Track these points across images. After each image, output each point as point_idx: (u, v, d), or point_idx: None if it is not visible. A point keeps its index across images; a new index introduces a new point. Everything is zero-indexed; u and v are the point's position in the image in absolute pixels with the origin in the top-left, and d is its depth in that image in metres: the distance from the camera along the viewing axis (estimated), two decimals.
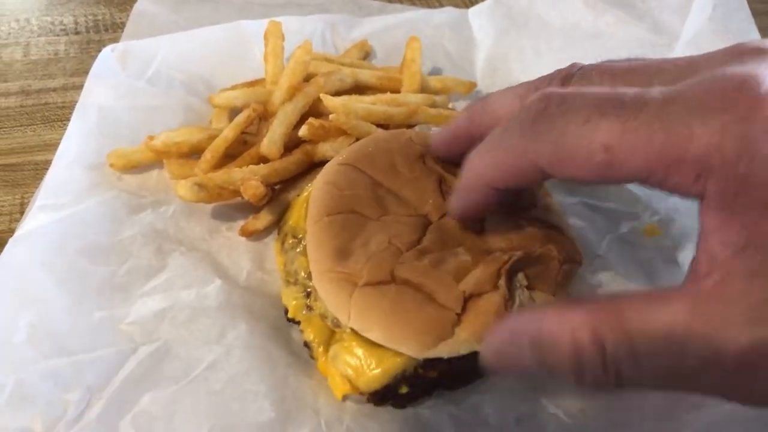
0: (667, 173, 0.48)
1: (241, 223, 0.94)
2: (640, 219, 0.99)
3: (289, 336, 0.83)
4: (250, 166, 0.91)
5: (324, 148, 0.94)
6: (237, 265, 0.90)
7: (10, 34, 1.33)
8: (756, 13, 1.07)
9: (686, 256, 0.92)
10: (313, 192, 0.82)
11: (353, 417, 0.75)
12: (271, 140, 0.93)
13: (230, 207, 0.96)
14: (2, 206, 1.01)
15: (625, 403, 0.78)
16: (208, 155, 0.94)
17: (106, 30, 1.34)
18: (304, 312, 0.79)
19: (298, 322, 0.80)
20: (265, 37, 1.10)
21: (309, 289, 0.79)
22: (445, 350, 0.70)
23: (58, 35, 1.33)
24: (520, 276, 0.75)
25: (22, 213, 0.98)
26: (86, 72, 1.08)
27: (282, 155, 0.94)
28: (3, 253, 0.84)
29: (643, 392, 0.77)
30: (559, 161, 0.54)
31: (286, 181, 0.95)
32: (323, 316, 0.77)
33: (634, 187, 1.02)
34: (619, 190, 1.02)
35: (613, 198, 1.01)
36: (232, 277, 0.88)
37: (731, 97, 0.47)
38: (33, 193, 0.99)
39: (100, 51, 1.12)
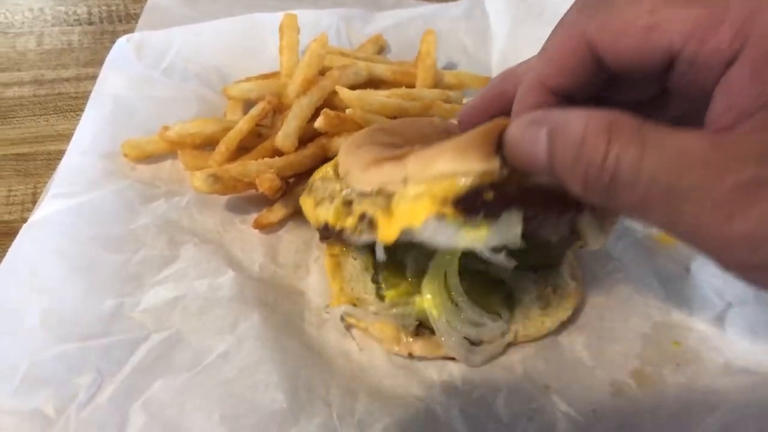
0: (704, 38, 0.51)
1: (254, 215, 0.94)
2: (653, 229, 0.99)
3: (303, 329, 0.83)
4: (266, 159, 0.91)
5: (338, 143, 0.94)
6: (250, 258, 0.90)
7: (24, 23, 1.33)
8: None
9: (698, 265, 0.92)
10: (341, 149, 0.79)
11: (365, 409, 0.75)
12: (285, 133, 0.93)
13: (244, 199, 0.96)
14: (15, 196, 1.02)
15: (637, 404, 0.78)
16: (223, 147, 0.94)
17: (120, 21, 1.35)
18: (345, 216, 0.73)
19: (340, 231, 0.74)
20: (281, 30, 1.10)
21: (350, 198, 0.73)
22: None
23: (71, 25, 1.34)
24: None
25: (34, 203, 0.98)
26: (99, 63, 1.09)
27: (296, 149, 0.94)
28: (16, 240, 0.85)
29: (656, 396, 0.78)
30: (607, 30, 0.56)
31: (300, 174, 0.95)
32: (375, 207, 0.70)
33: None
34: None
35: None
36: (245, 270, 0.88)
37: None
38: (45, 183, 0.99)
39: (113, 42, 1.12)
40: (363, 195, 0.71)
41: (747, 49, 0.49)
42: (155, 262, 0.87)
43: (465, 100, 1.14)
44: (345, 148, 0.78)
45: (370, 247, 0.85)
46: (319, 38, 1.04)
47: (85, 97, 1.05)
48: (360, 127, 0.95)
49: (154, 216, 0.92)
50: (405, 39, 1.26)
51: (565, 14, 0.63)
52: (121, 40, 1.09)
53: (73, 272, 0.83)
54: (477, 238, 0.64)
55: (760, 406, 0.75)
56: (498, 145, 0.62)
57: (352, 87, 1.04)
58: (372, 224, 0.69)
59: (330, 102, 1.00)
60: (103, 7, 1.37)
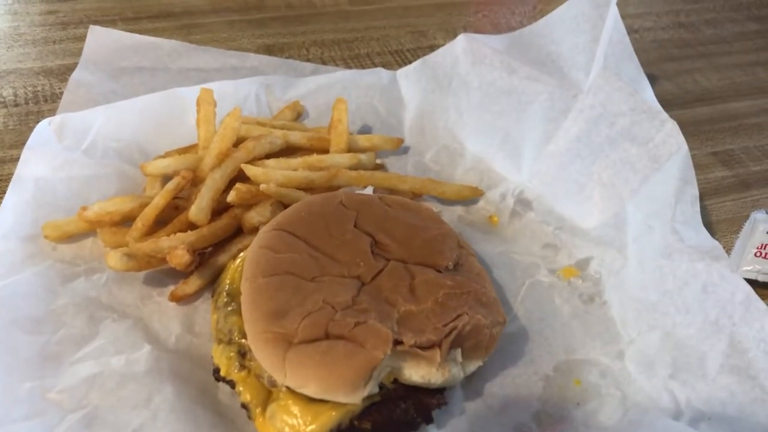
0: None
1: (172, 288, 0.97)
2: (557, 263, 1.05)
3: (216, 398, 0.86)
4: (178, 233, 0.94)
5: (251, 215, 0.98)
6: (167, 330, 0.93)
7: None
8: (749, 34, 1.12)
9: (602, 292, 0.99)
10: (248, 255, 0.86)
11: None
12: (198, 207, 0.97)
13: (162, 272, 0.99)
14: None
15: None
16: (139, 223, 0.97)
17: (46, 101, 1.36)
18: (236, 371, 0.81)
19: (230, 381, 0.82)
20: (198, 104, 1.14)
21: (244, 350, 0.82)
22: (374, 386, 0.75)
23: None
24: (457, 353, 0.81)
25: None
26: (24, 144, 1.10)
27: (211, 220, 0.98)
28: None
29: None
30: None
31: (216, 245, 0.99)
32: (259, 376, 0.80)
33: (550, 236, 1.08)
34: (537, 239, 1.09)
35: (530, 247, 1.07)
36: (161, 342, 0.91)
37: None
38: None
39: (39, 122, 1.14)
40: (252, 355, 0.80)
41: None
42: (74, 340, 0.89)
43: (379, 160, 1.20)
44: (247, 270, 0.84)
45: None
46: (232, 112, 1.09)
47: (9, 180, 1.07)
48: (272, 197, 1.00)
49: (74, 294, 0.95)
50: (322, 104, 1.31)
51: None
52: (42, 124, 1.11)
53: None
54: None
55: None
56: (366, 380, 0.74)
57: (268, 155, 1.09)
58: (248, 409, 0.79)
59: (244, 172, 1.04)
60: (29, 89, 1.39)
